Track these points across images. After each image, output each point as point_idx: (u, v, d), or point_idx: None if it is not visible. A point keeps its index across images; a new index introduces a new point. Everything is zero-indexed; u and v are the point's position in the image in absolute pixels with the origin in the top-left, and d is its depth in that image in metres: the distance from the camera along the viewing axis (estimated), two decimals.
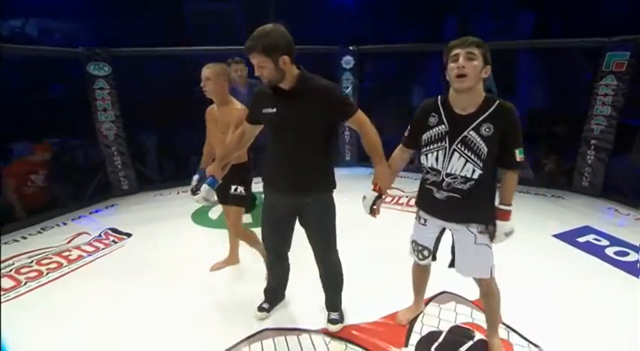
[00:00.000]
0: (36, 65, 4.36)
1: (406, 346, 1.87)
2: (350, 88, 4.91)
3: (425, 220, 1.70)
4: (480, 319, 2.00)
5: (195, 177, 2.15)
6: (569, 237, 3.00)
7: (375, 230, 2.97)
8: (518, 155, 1.45)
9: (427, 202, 1.65)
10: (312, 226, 1.84)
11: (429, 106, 1.55)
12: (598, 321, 2.02)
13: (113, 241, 3.11)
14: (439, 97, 1.54)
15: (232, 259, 2.65)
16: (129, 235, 3.20)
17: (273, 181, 1.78)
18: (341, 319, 2.02)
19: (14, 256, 2.85)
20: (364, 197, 1.73)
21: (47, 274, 2.62)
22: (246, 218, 3.37)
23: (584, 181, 3.87)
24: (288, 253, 2.01)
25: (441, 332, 1.97)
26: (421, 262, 1.82)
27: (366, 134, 1.69)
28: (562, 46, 4.02)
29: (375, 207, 1.69)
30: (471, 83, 1.38)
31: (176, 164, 4.79)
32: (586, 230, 3.12)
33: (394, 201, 3.78)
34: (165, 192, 4.21)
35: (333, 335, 1.95)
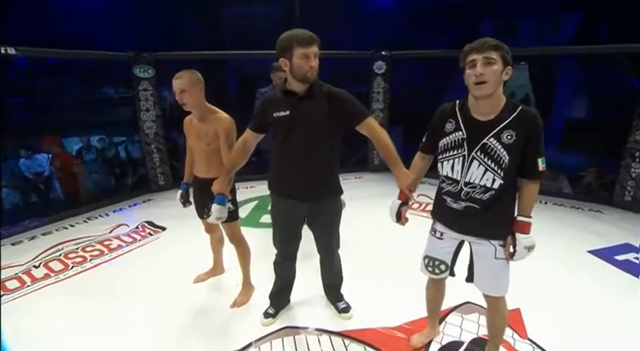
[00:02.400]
0: (88, 68, 4.73)
1: None
2: (381, 93, 4.91)
3: (441, 234, 1.61)
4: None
5: (179, 192, 2.22)
6: (606, 254, 2.85)
7: (398, 234, 2.98)
8: (541, 165, 1.38)
9: (444, 214, 1.57)
10: (323, 229, 1.93)
11: (446, 112, 1.49)
12: (630, 342, 1.93)
13: (149, 233, 3.31)
14: (457, 101, 1.48)
15: (217, 268, 2.59)
16: (163, 228, 3.39)
17: (284, 186, 1.81)
18: (349, 307, 2.16)
19: (64, 242, 3.11)
20: (390, 206, 1.73)
21: (91, 260, 2.84)
22: (267, 218, 3.45)
23: (626, 196, 3.65)
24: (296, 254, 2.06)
25: (462, 343, 1.95)
26: (436, 277, 1.71)
27: (378, 140, 1.70)
28: (605, 52, 3.81)
29: (401, 214, 1.69)
30: (491, 90, 1.32)
31: None
32: (626, 248, 2.95)
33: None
34: None
35: (353, 337, 1.98)
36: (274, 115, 1.70)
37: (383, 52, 4.78)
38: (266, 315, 2.12)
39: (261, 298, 2.26)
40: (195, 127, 2.06)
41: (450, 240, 1.61)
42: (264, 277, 2.29)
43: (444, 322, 2.07)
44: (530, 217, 1.45)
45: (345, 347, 1.93)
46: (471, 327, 2.06)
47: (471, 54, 1.33)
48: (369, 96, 4.89)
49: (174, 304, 2.29)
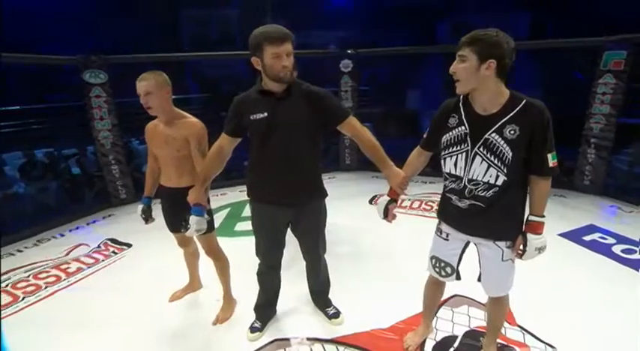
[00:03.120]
0: (31, 73, 4.30)
1: None
2: (349, 92, 4.89)
3: (447, 235, 1.56)
4: None
5: (141, 206, 2.04)
6: (575, 236, 2.99)
7: (379, 234, 2.97)
8: (551, 160, 1.31)
9: (449, 213, 1.52)
10: (308, 234, 1.85)
11: (450, 106, 1.44)
12: (609, 319, 2.01)
13: (113, 252, 3.04)
14: (462, 96, 1.41)
15: (193, 284, 2.40)
16: (129, 245, 3.13)
17: (265, 192, 1.70)
18: (339, 311, 2.09)
19: (10, 271, 2.76)
20: (378, 203, 1.68)
21: (46, 287, 2.53)
22: (242, 226, 3.32)
23: (585, 180, 3.88)
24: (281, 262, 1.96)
25: (456, 337, 1.93)
26: (443, 280, 1.67)
27: (362, 139, 1.64)
28: (560, 46, 4.04)
29: (388, 211, 1.64)
30: (467, 86, 1.30)
31: None
32: (591, 229, 3.12)
33: (432, 209, 3.66)
34: None
35: (346, 343, 1.90)
36: (251, 117, 1.59)
37: (349, 51, 4.77)
38: (252, 329, 1.99)
39: (244, 312, 2.12)
40: (162, 133, 1.88)
41: (455, 241, 1.55)
42: (245, 289, 2.16)
43: (435, 318, 2.04)
44: (543, 216, 1.39)
45: None
46: (462, 320, 2.05)
47: (459, 48, 1.30)
48: (336, 95, 4.85)
49: (149, 327, 2.09)
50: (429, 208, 3.64)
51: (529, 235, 1.38)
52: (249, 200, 1.80)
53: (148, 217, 2.07)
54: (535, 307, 2.08)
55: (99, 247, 3.13)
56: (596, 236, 2.99)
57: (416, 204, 3.71)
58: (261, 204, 1.75)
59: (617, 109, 3.59)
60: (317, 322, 2.08)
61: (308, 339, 1.95)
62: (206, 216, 1.82)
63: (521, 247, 1.40)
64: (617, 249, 2.77)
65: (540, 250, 1.39)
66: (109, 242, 3.20)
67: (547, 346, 1.84)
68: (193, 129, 1.85)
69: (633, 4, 4.18)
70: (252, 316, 2.05)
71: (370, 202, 3.92)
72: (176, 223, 2.02)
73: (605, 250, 2.75)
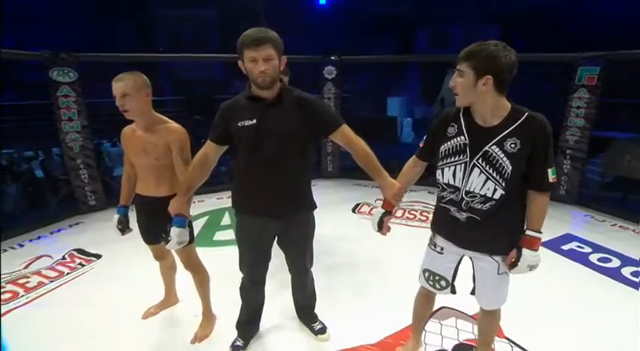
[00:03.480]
0: None
1: None
2: (332, 99, 4.85)
3: (442, 248, 1.52)
4: None
5: (117, 216, 1.89)
6: (553, 245, 3.05)
7: (364, 243, 2.91)
8: (551, 175, 1.29)
9: (444, 225, 1.48)
10: (296, 247, 1.77)
11: (449, 116, 1.41)
12: (590, 327, 2.05)
13: (80, 264, 2.80)
14: (462, 106, 1.38)
15: (169, 299, 2.24)
16: (98, 256, 2.90)
17: (252, 203, 1.61)
18: (325, 326, 2.01)
19: None
20: (372, 215, 1.62)
21: None
22: (221, 235, 3.19)
23: (561, 190, 4.00)
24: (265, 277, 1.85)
25: None
26: (438, 292, 1.62)
27: (356, 149, 1.58)
28: (539, 61, 4.18)
29: (383, 224, 1.59)
30: (465, 100, 1.30)
31: None
32: (569, 238, 3.19)
33: (415, 217, 3.67)
34: None
35: None
36: (239, 124, 1.50)
37: (332, 57, 4.73)
38: (234, 348, 1.87)
39: (225, 329, 1.99)
40: (140, 139, 1.74)
41: (450, 255, 1.51)
42: (226, 304, 2.03)
43: (423, 332, 1.99)
44: (541, 232, 1.36)
45: None
46: (450, 333, 2.02)
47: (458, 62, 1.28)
48: None
49: (121, 347, 1.93)
50: (412, 216, 3.63)
51: (524, 251, 1.35)
52: (233, 211, 1.70)
53: (124, 227, 1.91)
54: (522, 319, 2.07)
55: (64, 258, 2.89)
56: (573, 245, 3.06)
57: (399, 212, 3.69)
58: (247, 215, 1.65)
59: (590, 122, 3.74)
60: (303, 338, 1.99)
61: None
62: (187, 227, 1.70)
63: (513, 260, 1.37)
64: (593, 258, 2.84)
65: (532, 267, 1.36)
66: (75, 253, 2.95)
67: None
68: (175, 135, 1.72)
69: (593, 24, 4.41)
70: (233, 333, 1.92)
71: (354, 210, 3.87)
72: (153, 234, 1.90)
73: (583, 260, 2.82)
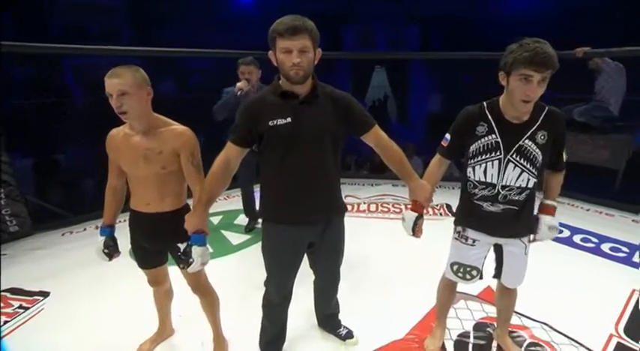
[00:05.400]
0: None
1: None
2: None
3: (474, 241, 1.57)
4: (491, 311, 2.05)
5: (102, 239, 1.57)
6: None
7: (357, 240, 2.87)
8: (565, 156, 1.49)
9: (478, 219, 1.53)
10: (331, 254, 1.67)
11: (475, 114, 1.45)
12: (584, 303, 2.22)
13: (20, 307, 2.20)
14: (485, 104, 1.45)
15: (165, 330, 1.92)
16: (45, 294, 2.31)
17: (289, 210, 1.46)
18: (351, 330, 1.93)
19: None
20: (403, 219, 1.61)
21: None
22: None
23: None
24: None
25: (469, 332, 1.97)
26: (468, 283, 1.68)
27: (389, 150, 1.54)
28: (475, 58, 4.55)
29: (417, 227, 1.57)
30: (532, 107, 1.37)
31: (88, 190, 3.75)
32: None
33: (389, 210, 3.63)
34: (77, 228, 3.14)
35: None
36: (270, 123, 1.34)
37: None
38: None
39: None
40: (139, 146, 1.45)
41: (483, 245, 1.58)
42: (236, 324, 1.85)
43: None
44: (556, 201, 1.54)
45: None
46: (466, 315, 2.11)
47: (528, 67, 1.24)
48: None
49: None
50: (386, 209, 3.68)
51: (542, 215, 1.51)
52: (262, 223, 1.54)
53: (112, 252, 1.56)
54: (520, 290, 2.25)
55: None
56: None
57: (372, 207, 3.73)
58: (282, 225, 1.48)
59: None
60: (330, 346, 1.88)
61: None
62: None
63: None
64: (577, 238, 3.11)
65: (552, 229, 1.50)
66: (9, 295, 2.32)
67: (543, 325, 2.01)
68: (184, 139, 1.47)
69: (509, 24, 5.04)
70: None
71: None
72: (154, 257, 1.61)
73: (567, 241, 3.07)
